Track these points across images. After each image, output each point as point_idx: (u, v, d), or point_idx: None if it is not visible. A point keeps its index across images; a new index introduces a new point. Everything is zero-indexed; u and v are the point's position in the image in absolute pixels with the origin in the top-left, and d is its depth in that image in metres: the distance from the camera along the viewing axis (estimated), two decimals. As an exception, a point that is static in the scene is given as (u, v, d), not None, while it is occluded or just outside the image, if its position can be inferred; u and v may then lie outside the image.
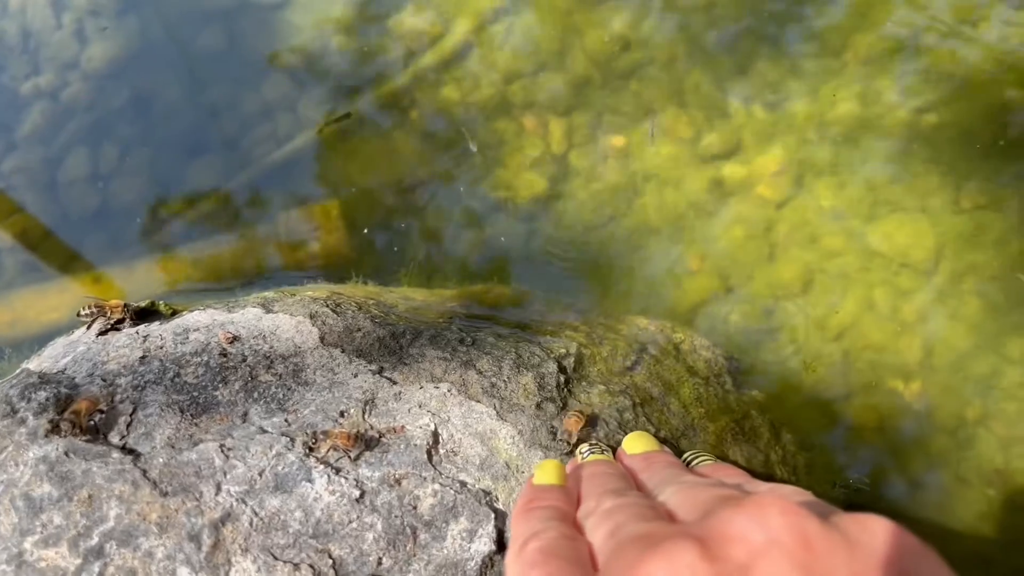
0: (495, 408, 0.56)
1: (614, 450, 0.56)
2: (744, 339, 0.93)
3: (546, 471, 0.51)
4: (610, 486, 0.48)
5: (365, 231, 0.97)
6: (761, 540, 0.36)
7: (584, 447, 0.55)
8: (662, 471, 0.51)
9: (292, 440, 0.51)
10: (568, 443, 0.55)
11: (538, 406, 0.57)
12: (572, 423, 0.56)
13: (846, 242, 1.05)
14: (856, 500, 0.78)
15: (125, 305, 0.61)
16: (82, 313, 0.61)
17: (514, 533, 0.47)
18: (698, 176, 1.10)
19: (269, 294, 0.66)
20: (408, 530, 0.49)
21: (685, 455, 0.56)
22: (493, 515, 0.51)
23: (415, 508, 0.50)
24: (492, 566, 0.50)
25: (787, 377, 0.89)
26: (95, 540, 0.46)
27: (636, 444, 0.55)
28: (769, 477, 0.62)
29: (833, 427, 0.88)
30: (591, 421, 0.57)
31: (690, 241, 1.05)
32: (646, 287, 0.99)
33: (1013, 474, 0.91)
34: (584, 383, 0.61)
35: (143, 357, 0.56)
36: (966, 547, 0.84)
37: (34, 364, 0.59)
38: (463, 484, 0.52)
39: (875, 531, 0.38)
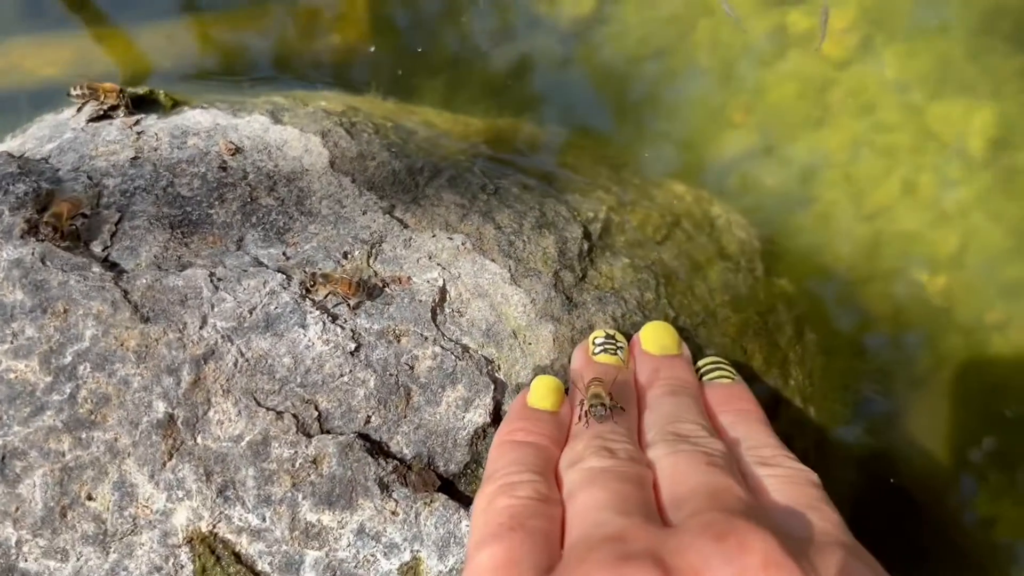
0: (510, 270, 0.52)
1: (630, 337, 0.52)
2: (774, 205, 0.88)
3: (541, 391, 0.48)
4: (605, 431, 0.45)
5: (391, 27, 0.89)
6: None
7: (599, 337, 0.51)
8: (667, 402, 0.48)
9: (288, 278, 0.47)
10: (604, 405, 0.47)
11: (556, 274, 0.53)
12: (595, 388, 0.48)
13: (903, 117, 0.97)
14: (865, 412, 0.76)
15: (121, 90, 0.55)
16: (73, 94, 0.55)
17: (489, 468, 0.45)
18: (760, 19, 1.00)
19: (279, 99, 0.60)
20: (402, 391, 0.46)
21: (703, 364, 0.52)
22: (493, 386, 0.48)
23: (412, 369, 0.47)
24: (484, 438, 0.47)
25: (810, 255, 0.85)
26: (68, 359, 0.43)
27: (655, 339, 0.52)
28: (783, 378, 0.59)
29: (848, 314, 0.85)
30: (615, 389, 0.48)
31: (738, 90, 0.98)
32: (684, 133, 0.93)
33: (1014, 384, 0.89)
34: (608, 253, 0.57)
35: (135, 158, 0.51)
36: (954, 455, 0.83)
37: (16, 144, 0.54)
38: (465, 349, 0.48)
39: None
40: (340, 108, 0.61)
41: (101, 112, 0.55)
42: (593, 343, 0.51)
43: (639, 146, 0.85)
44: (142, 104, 0.57)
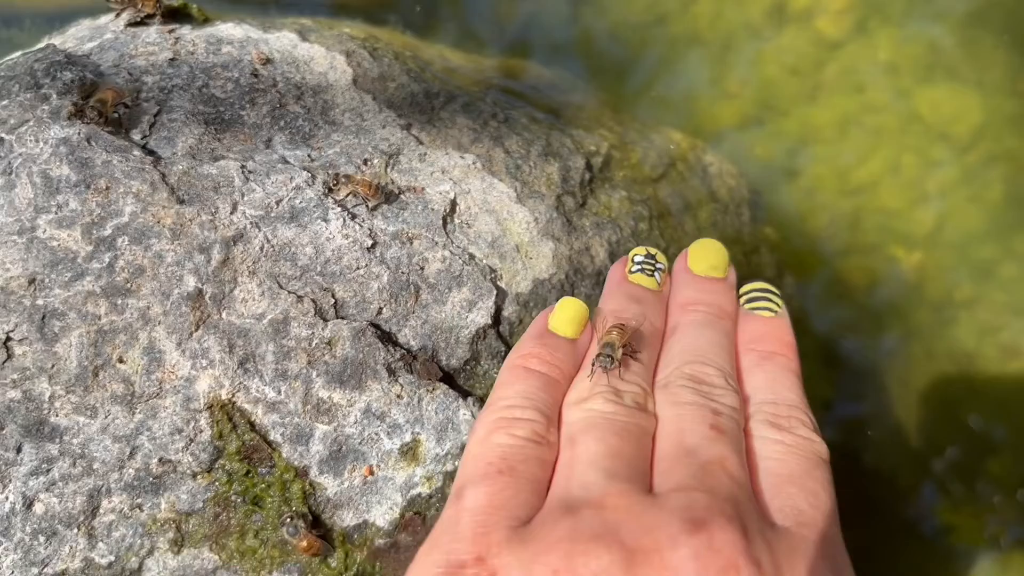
0: (516, 190, 0.56)
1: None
2: (763, 175, 0.91)
3: (563, 317, 0.48)
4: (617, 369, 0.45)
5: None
6: None
7: (639, 254, 0.51)
8: (695, 335, 0.47)
9: (313, 177, 0.51)
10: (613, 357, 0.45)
11: (558, 198, 0.57)
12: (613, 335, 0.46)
13: (891, 99, 1.01)
14: (833, 355, 0.80)
15: (157, 0, 0.59)
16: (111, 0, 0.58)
17: (495, 391, 0.45)
18: (760, -4, 1.04)
19: (306, 21, 0.63)
20: (412, 288, 0.50)
21: (747, 289, 0.51)
22: (495, 292, 0.52)
23: (422, 269, 0.51)
24: (484, 338, 0.51)
25: (795, 223, 0.89)
26: (108, 231, 0.46)
27: (702, 257, 0.51)
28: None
29: (826, 279, 0.89)
30: (634, 336, 0.47)
31: (735, 63, 1.01)
32: (680, 100, 0.96)
33: (980, 359, 0.93)
34: (607, 185, 0.61)
35: (172, 59, 0.54)
36: (916, 418, 0.88)
37: (57, 41, 0.57)
38: (471, 256, 0.52)
39: None
40: (363, 35, 0.64)
41: (138, 19, 0.58)
42: (632, 260, 0.51)
43: (639, 101, 0.89)
44: (176, 16, 0.60)
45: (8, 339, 0.45)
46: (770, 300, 0.50)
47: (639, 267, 0.50)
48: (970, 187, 1.00)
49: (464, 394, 0.50)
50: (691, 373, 0.44)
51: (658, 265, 0.51)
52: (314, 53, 0.59)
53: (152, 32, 0.56)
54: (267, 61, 0.56)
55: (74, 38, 0.58)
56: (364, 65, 0.59)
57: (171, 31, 0.57)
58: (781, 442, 0.42)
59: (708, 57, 1.01)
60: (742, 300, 0.50)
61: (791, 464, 0.41)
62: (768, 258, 0.67)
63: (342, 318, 0.48)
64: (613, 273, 0.51)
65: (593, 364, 0.44)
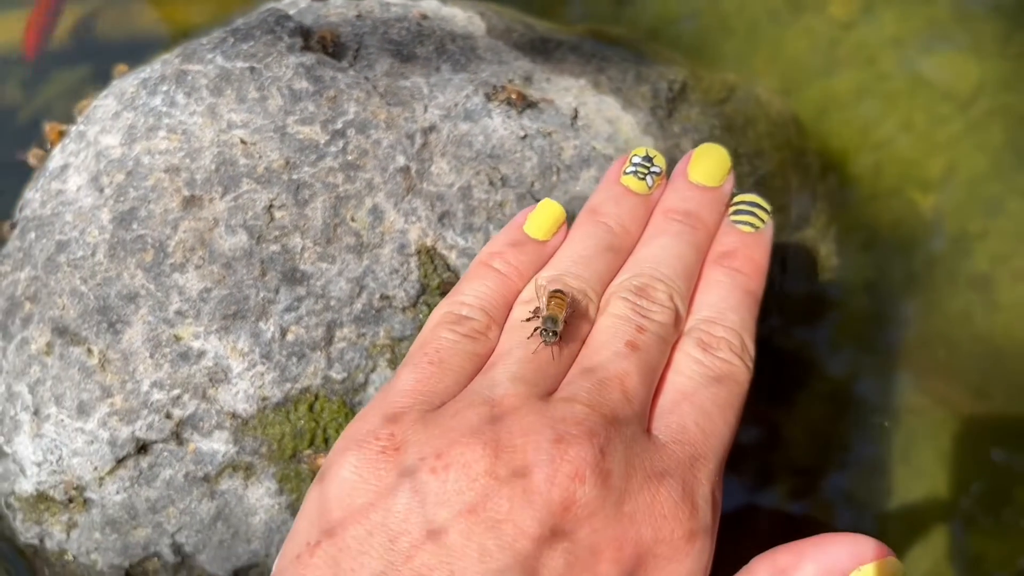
0: (620, 103, 0.73)
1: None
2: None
3: (539, 219, 0.51)
4: (574, 269, 0.47)
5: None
6: (543, 483, 0.36)
7: (638, 155, 0.53)
8: (661, 243, 0.48)
9: (476, 89, 0.68)
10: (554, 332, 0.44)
11: (652, 109, 0.74)
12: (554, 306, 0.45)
13: (899, 68, 1.18)
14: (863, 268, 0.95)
15: (332, -19, 0.76)
16: (298, -20, 0.76)
17: (461, 281, 0.49)
18: (779, -11, 1.21)
19: (438, -5, 0.81)
20: (554, 168, 0.66)
21: (737, 200, 0.52)
22: (614, 171, 0.68)
23: (560, 155, 0.67)
24: (608, 207, 0.67)
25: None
26: (339, 125, 0.63)
27: (701, 163, 0.52)
28: (804, 221, 0.79)
29: (858, 222, 1.04)
30: (572, 304, 0.46)
31: (760, 45, 1.18)
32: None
33: (993, 279, 1.08)
34: (685, 104, 0.77)
35: (358, 16, 0.72)
36: (937, 330, 1.02)
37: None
38: (594, 148, 0.69)
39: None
40: (482, 6, 0.82)
41: (317, -5, 0.76)
42: (630, 160, 0.53)
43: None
44: (341, -5, 0.78)
45: (271, 206, 0.62)
46: (755, 215, 0.50)
47: (633, 169, 0.52)
48: (974, 137, 1.15)
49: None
50: (637, 285, 0.46)
51: (652, 168, 0.52)
52: (455, 12, 0.76)
53: (338, 0, 0.74)
54: (424, 17, 0.74)
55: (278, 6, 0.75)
56: (493, 20, 0.77)
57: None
58: (700, 362, 0.44)
59: (739, 43, 1.18)
60: (730, 211, 0.51)
61: (697, 383, 0.43)
62: (813, 159, 0.83)
63: (507, 187, 0.65)
64: (610, 170, 0.55)
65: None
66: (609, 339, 0.44)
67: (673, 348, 0.45)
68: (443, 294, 0.64)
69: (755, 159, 0.77)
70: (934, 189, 1.11)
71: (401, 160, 0.63)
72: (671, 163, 0.55)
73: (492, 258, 0.50)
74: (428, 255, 0.63)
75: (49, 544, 0.64)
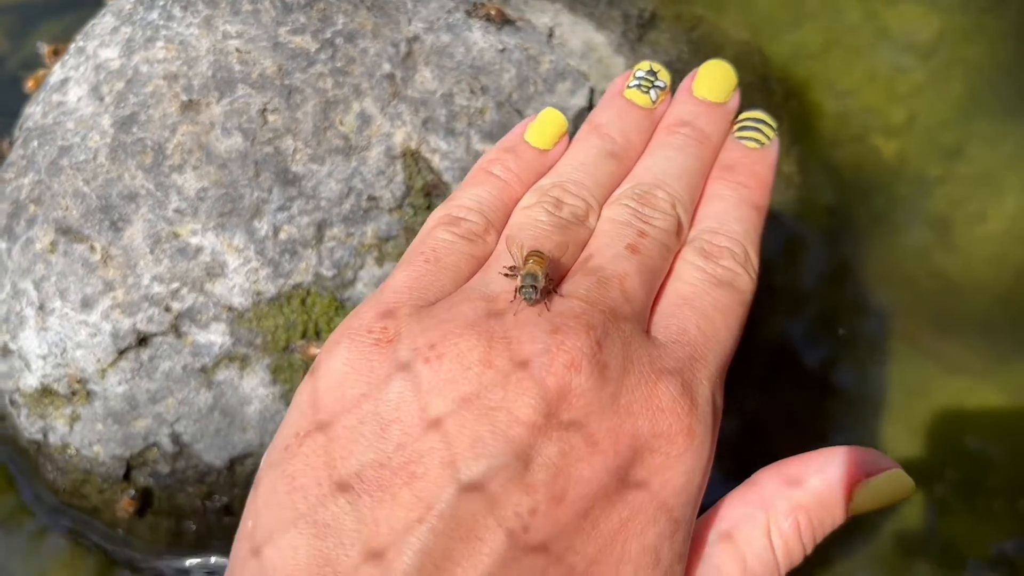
0: (593, 25, 0.77)
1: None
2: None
3: (540, 127, 0.50)
4: (573, 176, 0.47)
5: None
6: (538, 371, 0.36)
7: (642, 69, 0.51)
8: (666, 157, 0.48)
9: (457, 5, 0.72)
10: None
11: (623, 32, 0.78)
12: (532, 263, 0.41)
13: (864, 20, 1.23)
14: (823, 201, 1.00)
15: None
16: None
17: (457, 188, 0.48)
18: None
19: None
20: (531, 80, 0.71)
21: (742, 117, 0.51)
22: (588, 85, 0.72)
23: (537, 68, 0.71)
24: (581, 117, 0.71)
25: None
26: (328, 35, 0.67)
27: (706, 80, 0.51)
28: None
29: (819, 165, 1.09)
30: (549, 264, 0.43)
31: (729, 3, 1.23)
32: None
33: (951, 221, 1.14)
34: (655, 30, 0.82)
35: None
36: (898, 267, 1.07)
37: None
38: (568, 64, 0.73)
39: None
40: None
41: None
42: (634, 74, 0.52)
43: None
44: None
45: (265, 109, 0.66)
46: (760, 131, 0.49)
47: (637, 83, 0.51)
48: (935, 86, 1.21)
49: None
50: (640, 193, 0.45)
51: (657, 82, 0.51)
52: (437, -59, 0.80)
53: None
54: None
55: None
56: (472, -50, 0.81)
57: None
58: (702, 269, 0.43)
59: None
60: (735, 127, 0.50)
61: (699, 289, 0.42)
62: (777, 85, 0.88)
63: (487, 95, 0.69)
64: (613, 84, 0.53)
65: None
66: (610, 241, 0.43)
67: (675, 260, 0.45)
68: (427, 194, 0.68)
69: (721, 82, 0.82)
70: (897, 136, 1.17)
71: (387, 67, 0.67)
72: (675, 80, 0.55)
73: (491, 164, 0.49)
74: (412, 158, 0.67)
75: (52, 438, 0.67)
